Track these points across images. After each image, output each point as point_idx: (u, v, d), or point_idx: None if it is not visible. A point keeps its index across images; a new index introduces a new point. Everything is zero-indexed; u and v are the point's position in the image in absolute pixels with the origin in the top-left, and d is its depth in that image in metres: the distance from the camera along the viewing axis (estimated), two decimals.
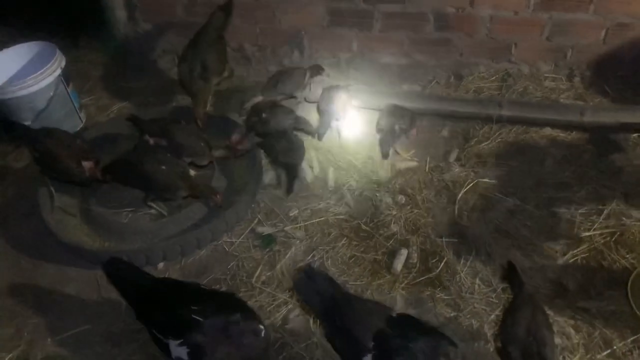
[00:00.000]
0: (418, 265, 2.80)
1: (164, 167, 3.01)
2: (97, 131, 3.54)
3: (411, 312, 2.58)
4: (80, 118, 3.79)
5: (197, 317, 2.14)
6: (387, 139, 3.33)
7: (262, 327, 2.20)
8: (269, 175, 3.30)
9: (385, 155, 3.29)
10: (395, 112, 3.44)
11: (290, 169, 3.22)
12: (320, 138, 3.46)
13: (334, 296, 2.22)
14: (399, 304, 2.64)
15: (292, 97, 3.71)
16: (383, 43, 4.05)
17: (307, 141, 3.45)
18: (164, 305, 2.26)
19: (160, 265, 2.90)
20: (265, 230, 3.01)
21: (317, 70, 3.77)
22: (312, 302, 2.29)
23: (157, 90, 4.08)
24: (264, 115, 3.34)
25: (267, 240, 2.96)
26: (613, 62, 3.80)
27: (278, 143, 3.25)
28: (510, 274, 2.51)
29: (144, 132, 3.26)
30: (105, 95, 4.08)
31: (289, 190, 3.16)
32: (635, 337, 2.42)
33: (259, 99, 3.61)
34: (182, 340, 2.12)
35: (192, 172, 3.15)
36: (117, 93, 4.08)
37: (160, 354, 2.28)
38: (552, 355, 2.12)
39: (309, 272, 2.30)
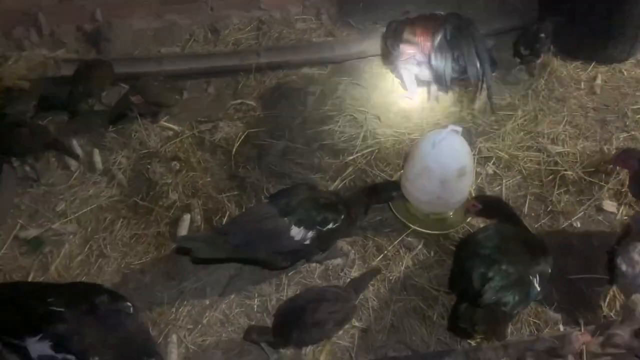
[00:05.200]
0: (203, 226, 2.79)
1: None
2: None
3: (202, 274, 2.58)
4: None
5: (56, 308, 1.96)
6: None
7: (129, 304, 2.06)
8: (23, 170, 2.99)
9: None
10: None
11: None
12: (76, 118, 3.22)
13: None
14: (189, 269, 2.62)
15: None
16: (129, 8, 3.82)
17: (62, 126, 3.18)
18: (12, 306, 2.01)
19: None
20: (30, 233, 2.73)
21: None
22: None
23: None
24: None
25: (35, 244, 2.69)
26: None
27: (12, 131, 2.90)
28: None
29: None
30: None
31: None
32: (400, 237, 2.72)
33: None
34: (41, 335, 1.91)
35: None
36: None
37: None
38: None
39: None
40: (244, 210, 2.80)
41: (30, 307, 1.99)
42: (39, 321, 1.96)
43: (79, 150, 3.09)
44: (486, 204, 2.58)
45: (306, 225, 2.38)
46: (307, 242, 2.39)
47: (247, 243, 2.33)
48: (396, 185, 2.70)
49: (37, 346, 1.94)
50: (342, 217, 2.47)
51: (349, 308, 2.33)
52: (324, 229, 2.42)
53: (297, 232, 2.36)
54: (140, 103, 3.10)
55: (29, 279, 2.56)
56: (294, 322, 2.24)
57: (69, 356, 1.93)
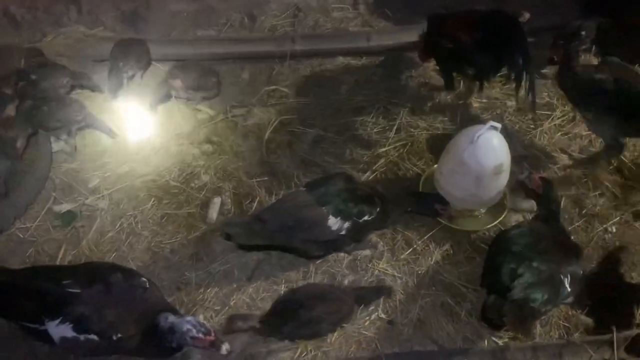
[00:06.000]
0: (233, 209, 2.80)
1: None
2: None
3: (231, 256, 2.59)
4: None
5: (73, 290, 1.98)
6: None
7: (145, 279, 2.10)
8: (59, 145, 3.02)
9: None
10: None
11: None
12: (112, 96, 3.22)
13: None
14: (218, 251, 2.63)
15: None
16: None
17: (98, 103, 3.21)
18: (29, 291, 2.03)
19: None
20: (64, 207, 2.77)
21: None
22: None
23: None
24: (32, 77, 2.98)
25: (68, 218, 2.73)
26: None
27: (46, 105, 2.91)
28: None
29: None
30: None
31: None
32: (431, 232, 2.70)
33: None
34: (60, 318, 1.95)
35: None
36: None
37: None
38: None
39: None
40: (274, 196, 2.80)
41: (47, 291, 2.01)
42: (57, 304, 1.98)
43: (114, 128, 3.11)
44: (546, 189, 2.44)
45: (343, 216, 2.36)
46: (343, 232, 2.38)
47: (284, 230, 2.32)
48: (442, 199, 2.62)
49: (58, 329, 1.96)
50: (378, 209, 2.44)
51: (345, 312, 2.32)
52: (360, 221, 2.40)
53: (334, 222, 2.35)
54: (179, 87, 3.11)
55: (61, 252, 2.61)
56: (289, 316, 2.24)
57: (90, 336, 1.96)
